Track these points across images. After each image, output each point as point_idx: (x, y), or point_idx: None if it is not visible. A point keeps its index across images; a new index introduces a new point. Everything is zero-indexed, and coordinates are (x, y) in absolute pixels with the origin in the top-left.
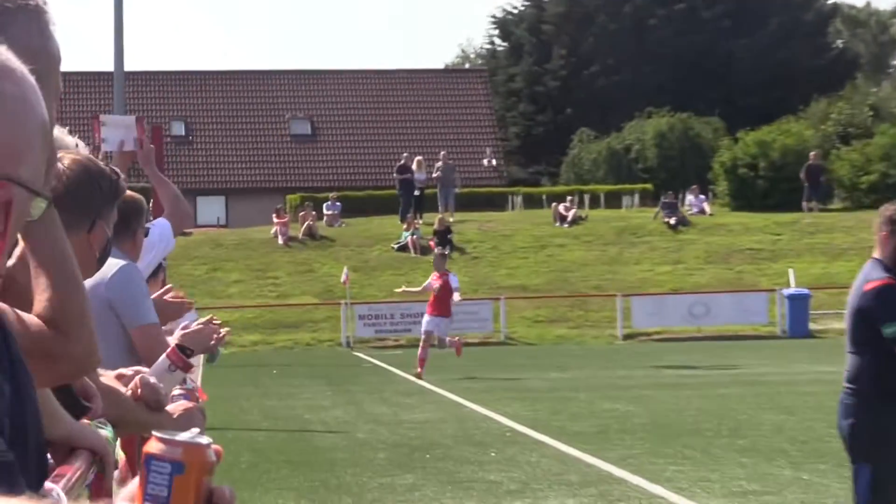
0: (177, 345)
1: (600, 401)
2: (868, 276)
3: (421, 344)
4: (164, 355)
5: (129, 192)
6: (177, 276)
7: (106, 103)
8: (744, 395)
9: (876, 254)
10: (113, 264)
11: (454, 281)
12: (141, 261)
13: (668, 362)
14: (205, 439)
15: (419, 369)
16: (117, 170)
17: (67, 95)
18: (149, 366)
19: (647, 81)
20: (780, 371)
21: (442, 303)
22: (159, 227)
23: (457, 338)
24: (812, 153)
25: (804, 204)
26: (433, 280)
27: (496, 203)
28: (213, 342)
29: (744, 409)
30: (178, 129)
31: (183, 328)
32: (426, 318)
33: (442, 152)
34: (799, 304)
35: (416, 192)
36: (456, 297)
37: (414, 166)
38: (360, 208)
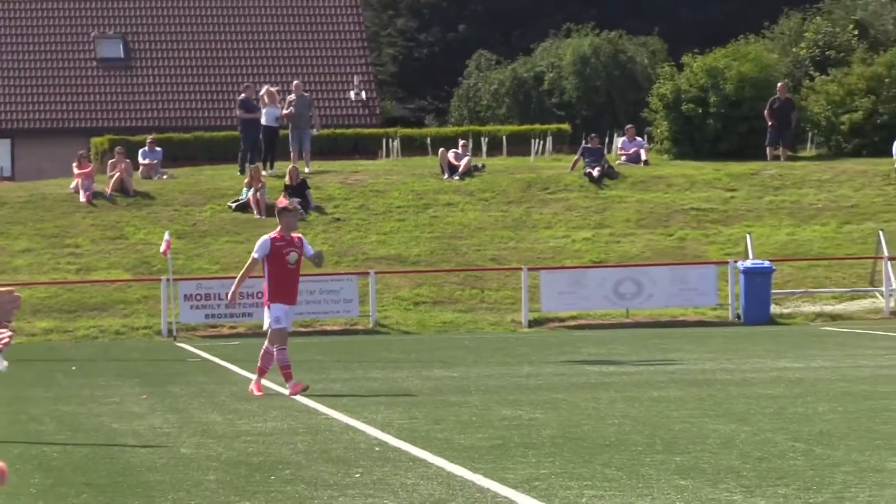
0: None
1: (498, 406)
2: None
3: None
4: None
5: None
6: None
7: None
8: (684, 399)
9: None
10: None
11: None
12: None
13: (587, 356)
14: None
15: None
16: None
17: None
18: None
19: None
20: (731, 368)
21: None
22: None
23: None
24: (780, 84)
25: (768, 150)
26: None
27: (366, 148)
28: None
29: (683, 416)
30: None
31: None
32: (281, 307)
33: (295, 82)
34: (758, 281)
35: (263, 135)
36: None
37: (265, 98)
38: (188, 155)
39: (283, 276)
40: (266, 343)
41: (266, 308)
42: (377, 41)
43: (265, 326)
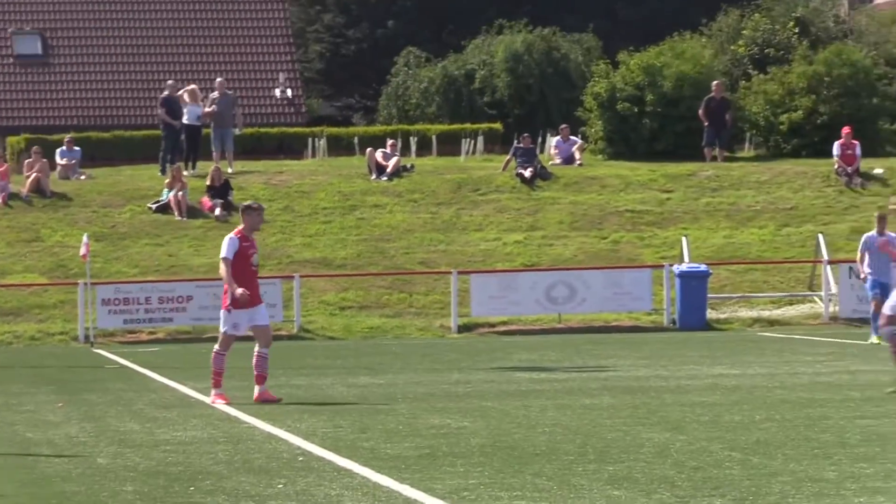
0: None
1: (426, 414)
2: None
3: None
4: None
5: None
6: None
7: None
8: (617, 407)
9: None
10: None
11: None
12: None
13: (518, 362)
14: None
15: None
16: None
17: None
18: None
19: None
20: (665, 375)
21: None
22: None
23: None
24: (715, 83)
25: (705, 151)
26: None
27: (291, 148)
28: None
29: (616, 424)
30: None
31: None
32: (241, 313)
33: (218, 80)
34: (694, 285)
35: (185, 134)
36: None
37: (186, 97)
38: (107, 155)
39: (246, 278)
40: (217, 347)
41: (225, 312)
42: (303, 37)
43: (222, 329)
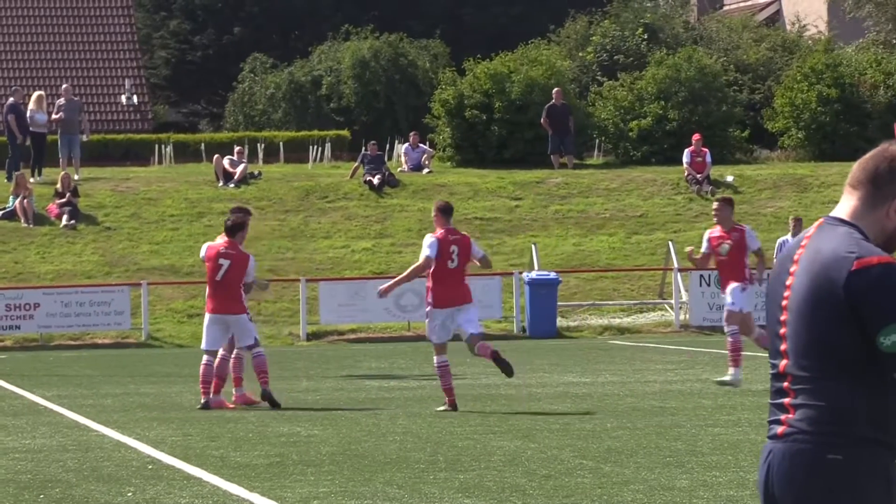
0: None
1: (276, 423)
2: (849, 247)
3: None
4: None
5: None
6: None
7: None
8: (467, 415)
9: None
10: None
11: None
12: None
13: (367, 370)
14: None
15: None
16: None
17: None
18: None
19: None
20: (516, 383)
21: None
22: None
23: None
24: (555, 90)
25: (552, 158)
26: None
27: (138, 155)
28: None
29: (467, 432)
30: None
31: None
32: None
33: (64, 86)
34: (543, 293)
35: (31, 141)
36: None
37: (32, 104)
38: None
39: None
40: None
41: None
42: (149, 43)
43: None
